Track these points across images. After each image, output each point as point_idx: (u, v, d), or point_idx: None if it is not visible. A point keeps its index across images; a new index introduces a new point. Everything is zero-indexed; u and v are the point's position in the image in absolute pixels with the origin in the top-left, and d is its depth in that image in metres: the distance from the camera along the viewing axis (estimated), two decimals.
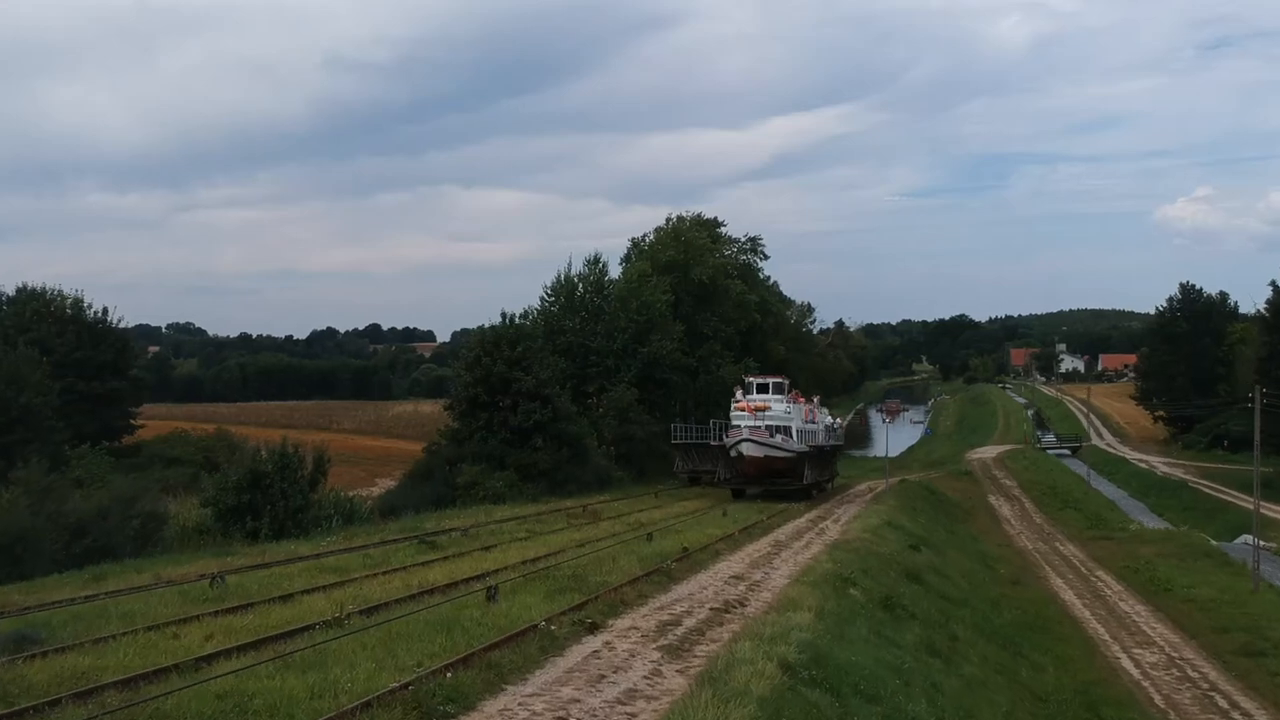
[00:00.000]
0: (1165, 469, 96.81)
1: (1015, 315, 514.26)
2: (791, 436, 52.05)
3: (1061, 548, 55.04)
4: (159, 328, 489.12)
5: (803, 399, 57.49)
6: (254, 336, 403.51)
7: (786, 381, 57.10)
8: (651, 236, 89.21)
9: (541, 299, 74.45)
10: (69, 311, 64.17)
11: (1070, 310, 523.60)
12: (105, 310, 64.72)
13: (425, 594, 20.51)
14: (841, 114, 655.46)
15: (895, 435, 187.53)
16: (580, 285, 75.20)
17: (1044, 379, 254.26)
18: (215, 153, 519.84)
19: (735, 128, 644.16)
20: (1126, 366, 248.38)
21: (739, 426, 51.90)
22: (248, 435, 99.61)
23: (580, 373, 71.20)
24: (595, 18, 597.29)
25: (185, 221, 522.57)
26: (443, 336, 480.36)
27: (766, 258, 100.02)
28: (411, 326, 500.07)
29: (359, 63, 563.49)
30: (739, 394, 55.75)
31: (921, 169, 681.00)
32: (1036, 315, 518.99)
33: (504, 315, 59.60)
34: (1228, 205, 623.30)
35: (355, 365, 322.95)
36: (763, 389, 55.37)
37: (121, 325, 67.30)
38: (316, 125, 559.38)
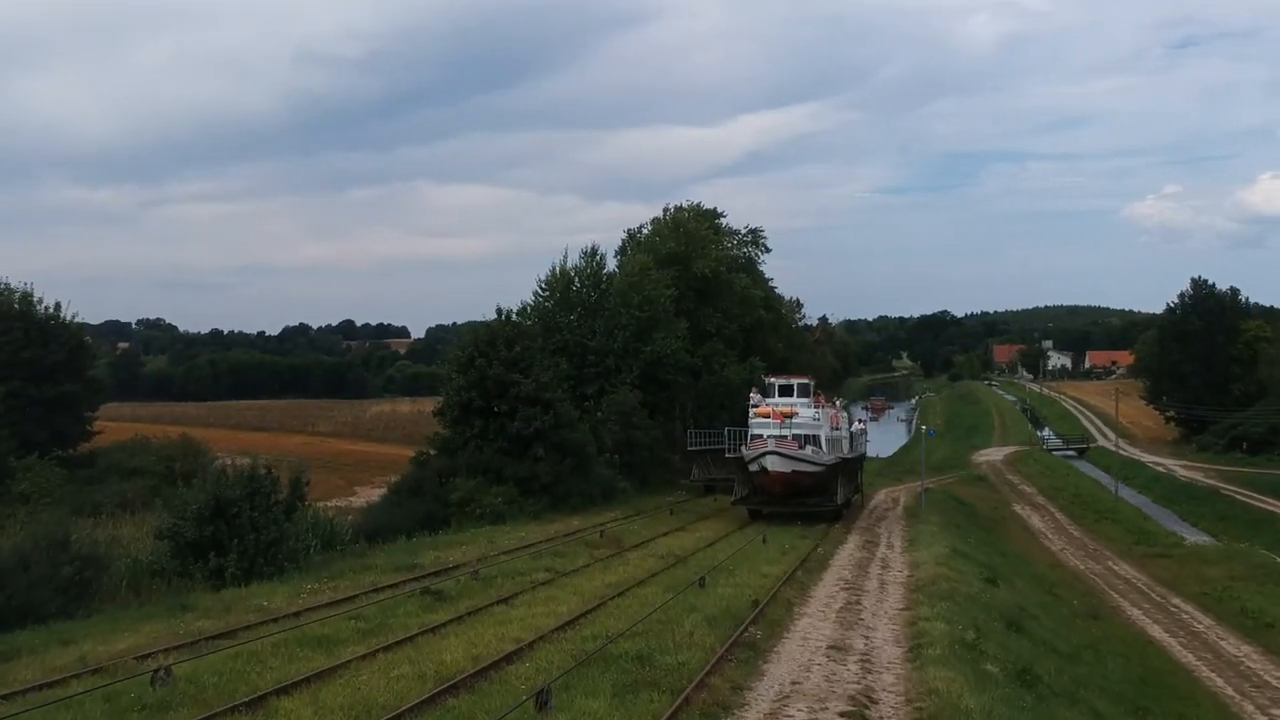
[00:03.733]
0: (1185, 473, 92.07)
1: (991, 311, 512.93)
2: (821, 447, 44.69)
3: (1115, 567, 50.00)
4: (129, 324, 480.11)
5: (827, 402, 51.56)
6: (225, 333, 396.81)
7: (811, 383, 49.63)
8: (648, 228, 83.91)
9: (535, 293, 68.96)
10: (17, 307, 58.20)
11: (1046, 307, 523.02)
12: (57, 305, 58.73)
13: (447, 692, 15.04)
14: (812, 111, 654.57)
15: (885, 435, 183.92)
16: (577, 279, 69.69)
17: (1031, 376, 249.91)
18: (186, 147, 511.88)
19: (707, 124, 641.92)
20: (1114, 364, 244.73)
21: (761, 436, 44.00)
22: (217, 441, 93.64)
23: (578, 373, 65.76)
24: (567, 14, 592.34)
25: (156, 216, 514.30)
26: (416, 332, 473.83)
27: (768, 250, 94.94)
28: (385, 322, 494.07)
29: (329, 57, 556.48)
30: (756, 397, 48.17)
31: (892, 167, 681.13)
32: (1013, 311, 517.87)
33: (499, 311, 53.89)
34: (1195, 203, 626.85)
35: (329, 363, 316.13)
36: (786, 391, 47.70)
37: (77, 321, 61.23)
38: (288, 120, 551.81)
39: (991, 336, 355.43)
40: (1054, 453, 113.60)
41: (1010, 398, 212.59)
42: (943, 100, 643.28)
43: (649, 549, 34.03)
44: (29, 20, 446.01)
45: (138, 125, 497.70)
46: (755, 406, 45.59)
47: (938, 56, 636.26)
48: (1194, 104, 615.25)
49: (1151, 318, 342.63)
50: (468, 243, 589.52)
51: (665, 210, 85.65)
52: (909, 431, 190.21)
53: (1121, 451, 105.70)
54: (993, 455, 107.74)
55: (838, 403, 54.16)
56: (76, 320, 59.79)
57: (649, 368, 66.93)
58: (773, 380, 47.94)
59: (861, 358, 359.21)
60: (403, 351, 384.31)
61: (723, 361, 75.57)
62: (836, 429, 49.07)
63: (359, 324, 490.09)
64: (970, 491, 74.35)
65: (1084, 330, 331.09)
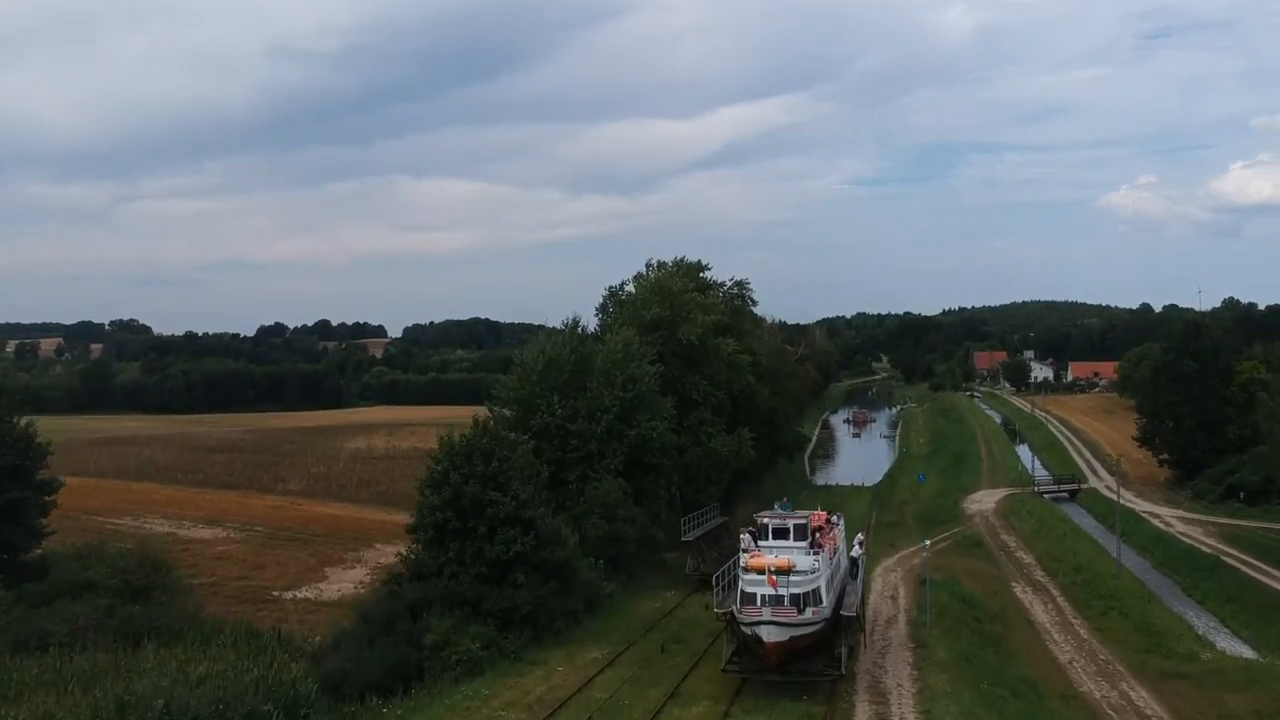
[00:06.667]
0: (1183, 527, 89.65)
1: (969, 307, 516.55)
2: (822, 600, 39.65)
3: (1131, 693, 47.10)
4: (102, 325, 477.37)
5: (825, 519, 47.96)
6: (200, 335, 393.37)
7: (808, 519, 44.12)
8: (631, 287, 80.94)
9: (519, 376, 65.72)
10: None
11: (1023, 302, 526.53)
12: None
13: None
14: (789, 104, 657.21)
15: (869, 453, 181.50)
16: (559, 352, 66.48)
17: (1014, 389, 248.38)
18: (161, 142, 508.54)
19: (685, 118, 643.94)
20: (1096, 375, 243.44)
21: (754, 599, 38.83)
22: (184, 505, 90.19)
23: (559, 457, 62.77)
24: (544, 7, 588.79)
25: (130, 212, 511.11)
26: (394, 331, 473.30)
27: (755, 303, 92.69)
28: (362, 321, 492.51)
29: (305, 51, 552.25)
30: (747, 539, 43.24)
31: (870, 159, 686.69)
32: (990, 307, 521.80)
33: (476, 421, 50.59)
34: (1169, 193, 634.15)
35: (305, 370, 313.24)
36: (780, 534, 42.22)
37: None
38: (264, 115, 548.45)
39: (971, 339, 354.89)
40: (1045, 495, 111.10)
41: (994, 414, 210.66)
42: (920, 92, 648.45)
43: None
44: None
45: (111, 120, 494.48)
46: (746, 552, 41.42)
47: (915, 48, 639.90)
48: (1168, 94, 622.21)
49: (1129, 315, 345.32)
50: (447, 236, 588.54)
51: (648, 265, 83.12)
52: (891, 448, 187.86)
53: (1112, 495, 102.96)
54: (984, 502, 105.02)
55: (834, 518, 50.17)
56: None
57: (634, 451, 64.01)
58: (766, 520, 42.78)
59: (841, 361, 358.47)
60: (379, 354, 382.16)
61: (710, 432, 72.83)
62: (836, 552, 45.53)
63: (335, 323, 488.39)
64: (968, 566, 71.41)
65: (1063, 332, 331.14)
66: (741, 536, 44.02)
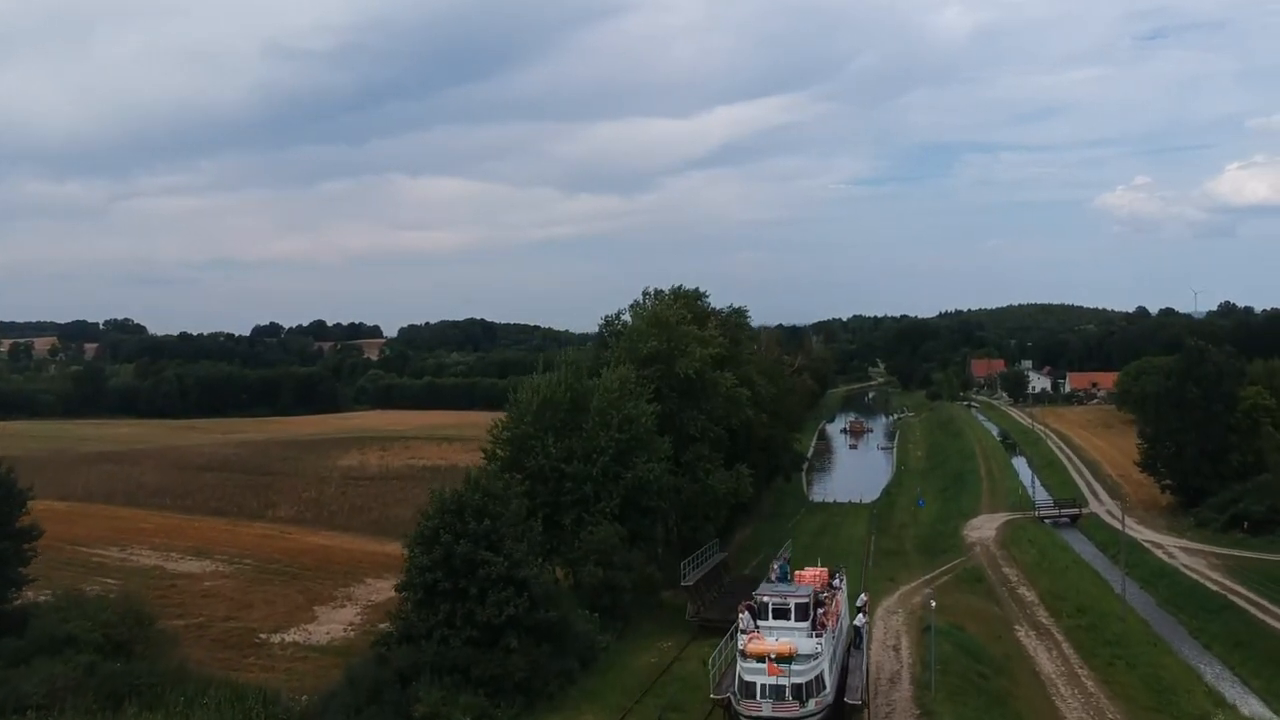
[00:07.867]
0: (1187, 559, 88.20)
1: (965, 310, 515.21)
2: (825, 686, 37.76)
3: None
4: (96, 324, 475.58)
5: (826, 582, 46.20)
6: (194, 335, 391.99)
7: (810, 596, 41.60)
8: (627, 316, 79.58)
9: (513, 416, 64.30)
10: None
11: (1020, 305, 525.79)
12: None
13: None
14: (786, 103, 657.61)
15: (864, 464, 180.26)
16: (555, 392, 65.02)
17: (1012, 400, 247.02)
18: (157, 141, 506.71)
19: (682, 117, 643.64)
20: (1095, 385, 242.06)
21: (754, 688, 36.67)
22: (171, 532, 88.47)
23: (554, 500, 61.43)
24: (541, 6, 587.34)
25: (126, 210, 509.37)
26: (389, 331, 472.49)
27: (752, 329, 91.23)
28: (357, 322, 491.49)
29: (299, 50, 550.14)
30: (746, 619, 41.17)
31: (867, 158, 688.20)
32: (986, 310, 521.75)
33: (468, 477, 49.14)
34: (1165, 194, 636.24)
35: (300, 374, 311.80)
36: (781, 613, 39.99)
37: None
38: (260, 113, 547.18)
39: (968, 345, 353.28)
40: (1046, 520, 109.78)
41: (991, 426, 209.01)
42: (918, 91, 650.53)
43: None
44: None
45: (106, 118, 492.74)
46: (745, 632, 39.63)
47: (913, 47, 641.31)
48: (1164, 95, 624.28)
49: (1126, 319, 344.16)
50: (442, 235, 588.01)
51: (645, 294, 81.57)
52: (889, 460, 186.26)
53: (1113, 520, 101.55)
54: (984, 529, 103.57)
55: (836, 580, 48.39)
56: None
57: (631, 493, 62.61)
58: (765, 599, 40.88)
59: (838, 366, 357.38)
60: (374, 356, 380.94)
61: (708, 468, 71.44)
62: (839, 621, 43.80)
63: (330, 324, 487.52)
64: (970, 606, 69.95)
65: (1060, 338, 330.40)
66: (740, 615, 42.26)
